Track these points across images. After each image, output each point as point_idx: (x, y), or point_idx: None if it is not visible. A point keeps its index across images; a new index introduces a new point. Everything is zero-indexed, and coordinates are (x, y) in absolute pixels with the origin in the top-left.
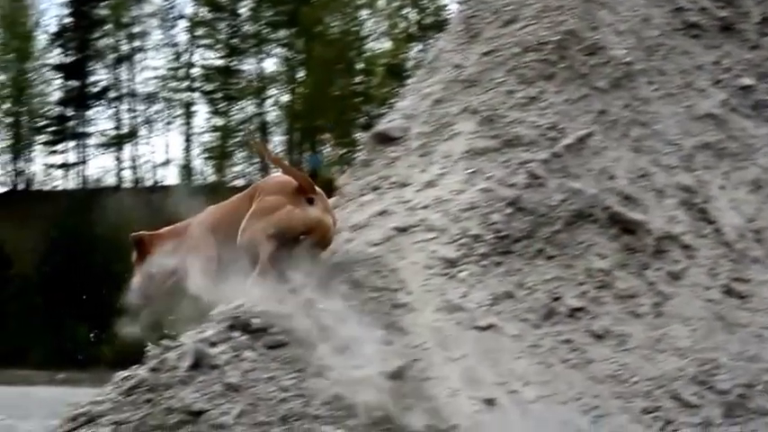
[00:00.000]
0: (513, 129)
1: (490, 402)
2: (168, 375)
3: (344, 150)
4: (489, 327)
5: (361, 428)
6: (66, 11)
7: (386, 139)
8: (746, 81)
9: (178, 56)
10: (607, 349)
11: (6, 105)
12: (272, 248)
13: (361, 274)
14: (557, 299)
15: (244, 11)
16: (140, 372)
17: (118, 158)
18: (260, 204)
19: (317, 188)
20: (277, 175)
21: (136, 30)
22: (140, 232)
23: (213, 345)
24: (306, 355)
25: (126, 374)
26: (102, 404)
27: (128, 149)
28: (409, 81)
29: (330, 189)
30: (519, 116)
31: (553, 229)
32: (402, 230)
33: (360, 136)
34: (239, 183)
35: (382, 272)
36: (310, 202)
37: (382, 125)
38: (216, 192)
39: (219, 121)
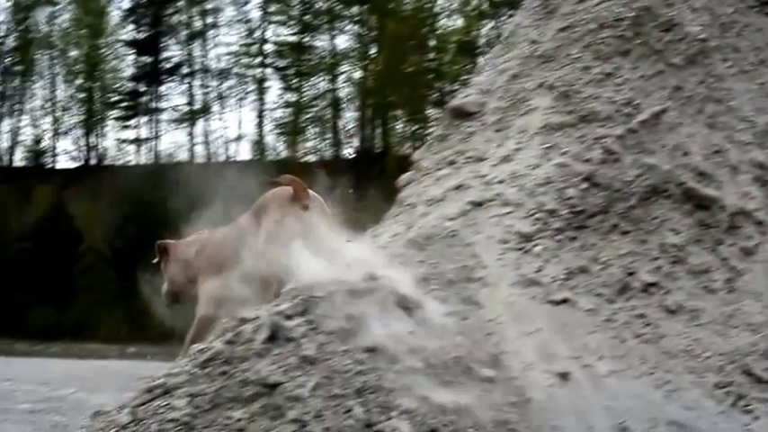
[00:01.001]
0: (588, 104)
1: (564, 376)
2: (244, 348)
3: (416, 126)
4: (564, 301)
5: (434, 401)
6: None
7: (462, 114)
8: None
9: (251, 32)
10: (680, 324)
11: (79, 81)
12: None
13: (436, 247)
14: (631, 274)
15: None
16: (216, 344)
17: (190, 134)
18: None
19: (311, 193)
20: (276, 189)
21: (209, 5)
22: (166, 240)
23: (289, 318)
24: (379, 328)
25: (202, 347)
26: (177, 376)
27: (200, 125)
28: (485, 56)
29: (403, 166)
30: (595, 92)
31: (628, 204)
32: (478, 205)
33: (432, 112)
34: (311, 158)
35: (458, 246)
36: (305, 208)
37: (458, 100)
38: (287, 167)
39: (292, 97)
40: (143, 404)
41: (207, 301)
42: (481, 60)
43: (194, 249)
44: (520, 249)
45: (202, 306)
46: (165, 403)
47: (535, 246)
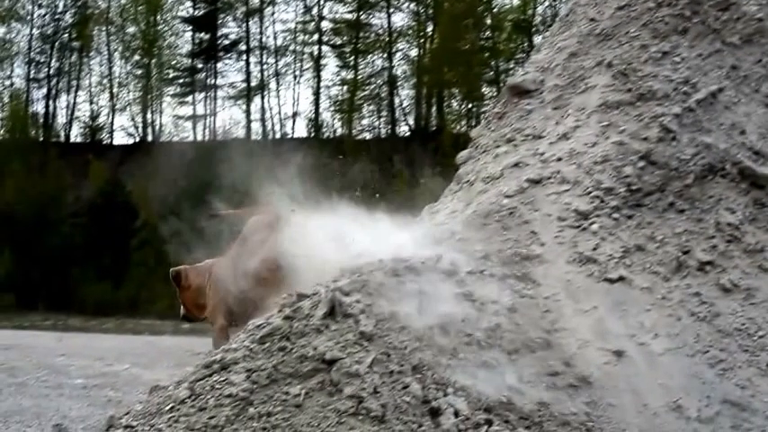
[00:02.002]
0: (646, 83)
1: (619, 354)
2: (302, 324)
3: (471, 105)
4: (620, 279)
5: (490, 379)
6: None
7: (520, 92)
8: None
9: (308, 9)
10: (735, 303)
11: (137, 57)
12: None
13: (494, 225)
14: (686, 252)
15: None
16: (274, 320)
17: (246, 111)
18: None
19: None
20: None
21: None
22: (179, 267)
23: (347, 294)
24: (436, 306)
25: (260, 322)
26: (235, 351)
27: (256, 102)
28: (544, 34)
29: (457, 144)
30: (652, 70)
31: (684, 183)
32: (536, 182)
33: (487, 90)
34: (366, 136)
35: (515, 223)
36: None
37: (517, 78)
38: (343, 144)
39: (348, 75)
40: (201, 379)
41: (220, 314)
42: (538, 39)
43: (203, 277)
44: (577, 227)
45: (218, 320)
46: (222, 378)
47: (592, 224)
